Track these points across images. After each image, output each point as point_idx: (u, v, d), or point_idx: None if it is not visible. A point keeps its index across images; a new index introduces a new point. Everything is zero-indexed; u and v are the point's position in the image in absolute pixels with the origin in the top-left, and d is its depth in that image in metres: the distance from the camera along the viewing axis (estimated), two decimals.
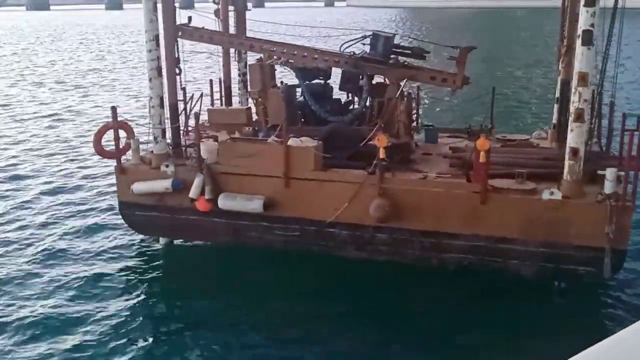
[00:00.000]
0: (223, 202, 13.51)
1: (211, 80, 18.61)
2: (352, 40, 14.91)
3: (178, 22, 15.39)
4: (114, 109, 14.28)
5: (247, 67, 16.36)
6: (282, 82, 15.92)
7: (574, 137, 11.51)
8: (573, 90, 11.40)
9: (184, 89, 16.43)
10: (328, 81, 15.62)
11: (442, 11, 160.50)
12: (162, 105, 14.20)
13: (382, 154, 12.50)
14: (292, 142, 13.20)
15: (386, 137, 13.79)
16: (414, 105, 16.05)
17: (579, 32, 11.13)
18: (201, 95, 16.58)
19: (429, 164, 14.20)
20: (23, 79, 45.73)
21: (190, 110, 16.31)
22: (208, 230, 14.25)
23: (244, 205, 13.35)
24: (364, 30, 15.41)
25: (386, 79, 14.77)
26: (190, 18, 16.04)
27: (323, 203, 13.17)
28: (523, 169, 12.89)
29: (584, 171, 11.83)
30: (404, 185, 12.70)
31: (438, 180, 12.57)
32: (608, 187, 11.49)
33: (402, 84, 14.43)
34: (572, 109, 11.50)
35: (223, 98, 17.96)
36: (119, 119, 14.39)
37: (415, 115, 16.59)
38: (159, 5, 13.99)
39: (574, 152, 11.54)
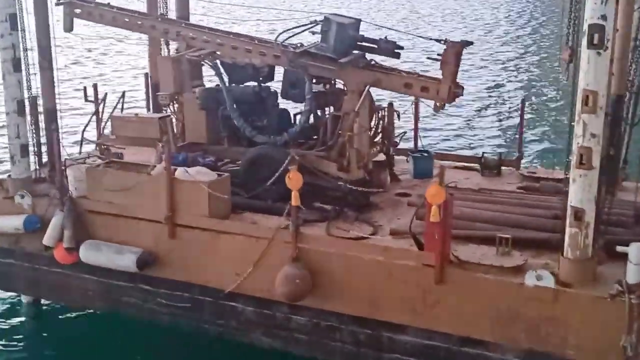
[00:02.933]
0: (86, 254, 11.79)
1: (146, 75, 17.05)
2: (296, 27, 12.89)
3: None
4: None
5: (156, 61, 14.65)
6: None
7: (578, 191, 9.06)
8: (576, 117, 8.95)
9: (94, 86, 15.11)
10: (268, 84, 13.66)
11: None
12: (21, 112, 12.70)
13: (295, 198, 10.46)
14: (179, 173, 11.37)
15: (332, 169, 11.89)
16: (393, 120, 13.82)
17: (584, 27, 8.72)
18: (123, 95, 15.12)
19: (396, 211, 12.05)
20: None
21: (101, 116, 14.93)
22: (74, 290, 12.64)
23: (113, 260, 11.60)
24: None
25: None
26: None
27: (221, 265, 11.25)
28: (519, 229, 10.57)
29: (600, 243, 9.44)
30: (328, 247, 10.59)
31: (375, 244, 10.38)
32: (632, 274, 8.97)
33: (364, 92, 12.31)
34: (573, 146, 9.08)
35: (150, 100, 16.36)
36: None
37: (398, 135, 14.38)
38: None
39: (578, 214, 9.09)
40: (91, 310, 13.16)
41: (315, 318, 10.85)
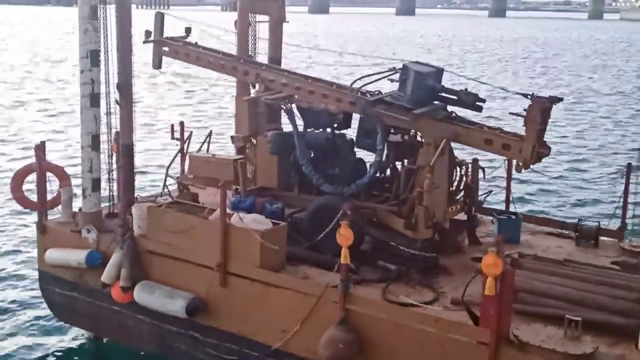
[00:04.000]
0: (139, 295, 11.71)
1: None
2: (374, 74, 12.48)
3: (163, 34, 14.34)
4: (39, 147, 13.36)
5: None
6: None
7: None
8: None
9: (181, 124, 15.35)
10: (344, 132, 13.26)
11: None
12: (96, 147, 12.97)
13: (345, 256, 9.92)
14: (235, 219, 11.13)
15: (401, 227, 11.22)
16: (477, 177, 13.02)
17: None
18: (190, 136, 15.23)
19: (466, 277, 11.18)
20: None
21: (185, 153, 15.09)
22: (130, 331, 12.61)
23: (163, 303, 11.46)
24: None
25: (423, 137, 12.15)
26: (189, 29, 14.86)
27: (269, 319, 10.85)
28: (596, 311, 9.51)
29: None
30: (377, 312, 9.94)
31: (426, 314, 9.61)
32: None
33: (441, 145, 11.67)
34: None
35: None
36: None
37: (484, 194, 13.52)
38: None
39: None
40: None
41: None
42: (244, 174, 13.47)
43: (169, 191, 13.79)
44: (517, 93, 11.68)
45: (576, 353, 8.61)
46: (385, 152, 12.74)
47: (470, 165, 12.97)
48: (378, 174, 12.68)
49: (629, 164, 13.62)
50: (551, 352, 8.68)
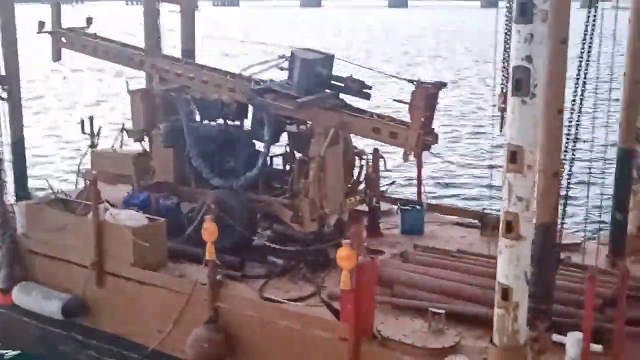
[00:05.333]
0: (18, 296, 11.49)
1: None
2: (264, 62, 12.25)
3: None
4: None
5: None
6: None
7: (504, 265, 7.81)
8: (502, 177, 7.74)
9: (91, 119, 15.02)
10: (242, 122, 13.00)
11: None
12: None
13: (209, 252, 9.72)
14: (108, 215, 10.90)
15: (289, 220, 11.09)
16: (378, 167, 12.82)
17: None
18: (99, 131, 14.88)
19: None
20: None
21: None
22: (17, 333, 12.39)
23: (41, 305, 11.24)
24: None
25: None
26: (89, 20, 14.60)
27: (146, 319, 10.65)
28: (466, 303, 9.37)
29: None
30: (245, 309, 9.75)
31: (291, 310, 9.43)
32: None
33: (329, 135, 11.46)
34: (501, 214, 7.86)
35: None
36: None
37: (387, 185, 13.34)
38: None
39: (504, 292, 7.83)
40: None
41: None
42: (138, 169, 13.21)
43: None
44: (403, 79, 11.45)
45: (435, 347, 8.44)
46: (287, 143, 12.64)
47: (370, 156, 12.78)
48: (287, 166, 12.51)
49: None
50: (410, 347, 8.51)
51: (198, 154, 12.29)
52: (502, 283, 7.79)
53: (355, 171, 12.79)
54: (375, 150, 12.81)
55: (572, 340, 7.63)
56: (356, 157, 12.71)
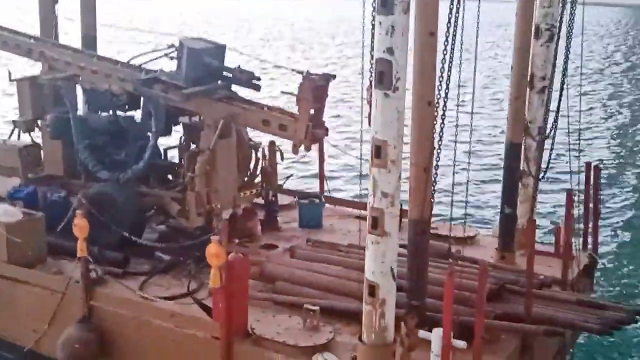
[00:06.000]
0: None
1: None
2: (153, 51, 11.95)
3: None
4: None
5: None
6: None
7: (370, 261, 7.71)
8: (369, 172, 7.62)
9: None
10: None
11: None
12: None
13: (80, 249, 9.40)
14: None
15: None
16: (275, 161, 12.62)
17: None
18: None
19: None
20: None
21: None
22: None
23: None
24: None
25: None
26: None
27: (21, 318, 10.28)
28: (345, 298, 9.27)
29: None
30: (119, 307, 9.47)
31: (164, 308, 9.19)
32: None
33: (219, 127, 11.22)
34: (368, 209, 7.74)
35: None
36: None
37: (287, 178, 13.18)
38: None
39: (371, 289, 7.73)
40: None
41: None
42: (24, 161, 12.75)
43: None
44: (293, 70, 11.27)
45: (307, 345, 8.30)
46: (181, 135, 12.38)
47: (267, 149, 12.60)
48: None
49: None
50: (282, 345, 8.36)
51: (85, 146, 11.92)
52: (369, 279, 7.68)
53: (252, 165, 12.57)
54: (272, 143, 12.61)
55: (437, 337, 7.57)
56: (252, 151, 12.49)
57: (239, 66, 11.26)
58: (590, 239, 11.74)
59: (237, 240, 11.28)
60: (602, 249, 16.85)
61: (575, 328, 8.80)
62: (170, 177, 12.47)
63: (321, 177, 14.10)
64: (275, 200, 12.82)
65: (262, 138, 12.64)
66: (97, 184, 11.82)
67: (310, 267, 10.05)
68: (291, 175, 13.75)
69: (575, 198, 11.68)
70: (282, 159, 12.83)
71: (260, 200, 12.75)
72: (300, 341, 8.36)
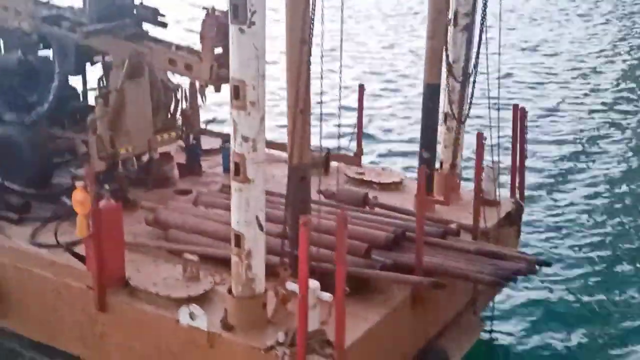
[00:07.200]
0: None
1: None
2: None
3: None
4: None
5: None
6: None
7: (234, 209, 7.29)
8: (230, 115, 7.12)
9: None
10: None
11: None
12: None
13: None
14: None
15: None
16: (196, 103, 12.10)
17: None
18: None
19: None
20: None
21: None
22: None
23: None
24: None
25: None
26: None
27: None
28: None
29: None
30: (2, 255, 9.13)
31: (44, 257, 8.84)
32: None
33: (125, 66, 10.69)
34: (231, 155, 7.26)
35: None
36: None
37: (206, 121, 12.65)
38: None
39: (237, 239, 7.32)
40: None
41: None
42: None
43: None
44: (198, 6, 10.65)
45: (179, 296, 7.94)
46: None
47: (186, 90, 12.08)
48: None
49: (361, 85, 12.91)
50: (155, 296, 8.01)
51: None
52: (235, 229, 7.29)
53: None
54: (192, 84, 12.07)
55: (310, 289, 7.16)
56: (171, 92, 11.99)
57: (141, 2, 10.67)
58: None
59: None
60: (537, 198, 16.51)
61: (467, 279, 8.38)
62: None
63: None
64: (197, 143, 12.36)
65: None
66: (3, 126, 11.37)
67: (206, 214, 9.63)
68: (214, 118, 13.21)
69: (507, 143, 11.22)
70: (204, 100, 12.28)
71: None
72: (174, 292, 7.99)
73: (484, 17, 10.07)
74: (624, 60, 33.31)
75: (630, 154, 20.20)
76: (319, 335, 7.16)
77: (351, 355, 7.25)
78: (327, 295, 7.10)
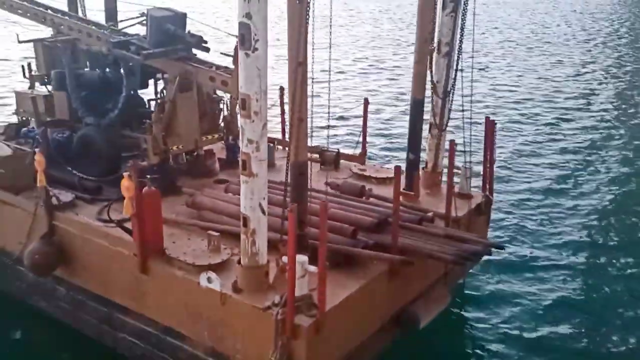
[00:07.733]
0: None
1: None
2: (130, 19, 11.38)
3: None
4: None
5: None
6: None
7: (242, 196, 7.16)
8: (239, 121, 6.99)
9: (29, 65, 14.08)
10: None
11: None
12: None
13: (40, 180, 9.09)
14: None
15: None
16: (235, 111, 12.01)
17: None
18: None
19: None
20: None
21: None
22: None
23: None
24: None
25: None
26: None
27: (10, 231, 10.12)
28: None
29: None
30: (73, 227, 9.17)
31: (102, 229, 8.84)
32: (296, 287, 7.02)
33: (176, 81, 10.64)
34: (240, 154, 7.13)
35: None
36: None
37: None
38: None
39: (244, 220, 7.20)
40: None
41: (71, 291, 9.52)
42: (35, 107, 12.46)
43: None
44: (230, 34, 10.53)
45: (202, 264, 7.86)
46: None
47: (227, 101, 12.03)
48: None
49: (366, 99, 12.64)
50: (184, 263, 7.95)
51: (77, 97, 11.54)
52: (243, 213, 7.17)
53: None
54: (232, 97, 11.97)
55: (298, 262, 6.99)
56: (216, 103, 11.99)
57: (189, 31, 10.59)
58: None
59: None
60: (508, 195, 16.00)
61: (432, 257, 8.11)
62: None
63: (283, 122, 13.36)
64: (235, 143, 12.26)
65: None
66: (85, 127, 11.46)
67: (231, 199, 9.52)
68: None
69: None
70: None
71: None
72: (198, 261, 7.91)
73: (460, 46, 9.75)
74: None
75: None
76: (306, 299, 7.01)
77: (332, 314, 7.08)
78: (313, 268, 6.93)
